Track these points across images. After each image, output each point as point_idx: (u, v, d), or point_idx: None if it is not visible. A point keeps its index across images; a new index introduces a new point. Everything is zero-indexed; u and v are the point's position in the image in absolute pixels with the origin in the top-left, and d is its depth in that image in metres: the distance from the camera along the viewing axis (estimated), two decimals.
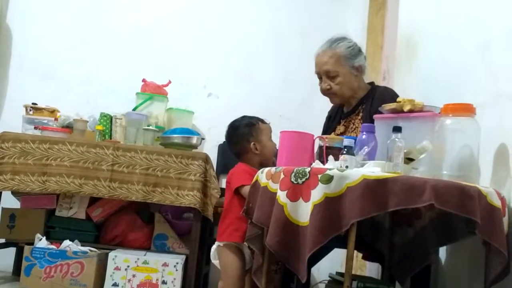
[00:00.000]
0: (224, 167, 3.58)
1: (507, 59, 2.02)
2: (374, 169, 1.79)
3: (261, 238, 2.08)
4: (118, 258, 3.01)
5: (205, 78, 4.00)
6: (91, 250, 3.03)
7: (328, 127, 2.78)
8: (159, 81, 3.68)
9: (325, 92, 2.63)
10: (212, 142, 3.79)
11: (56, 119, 3.45)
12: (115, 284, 2.99)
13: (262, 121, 2.64)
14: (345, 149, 1.88)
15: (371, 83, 2.73)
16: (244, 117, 2.65)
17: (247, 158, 2.59)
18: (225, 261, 2.45)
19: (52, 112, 3.51)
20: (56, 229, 3.28)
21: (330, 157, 1.92)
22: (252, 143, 2.56)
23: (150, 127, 3.37)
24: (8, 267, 3.46)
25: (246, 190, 2.29)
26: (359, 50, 2.64)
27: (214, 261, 2.55)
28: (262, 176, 2.01)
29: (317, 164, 1.96)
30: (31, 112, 3.49)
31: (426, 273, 2.26)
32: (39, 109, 3.50)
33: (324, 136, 2.14)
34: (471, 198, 1.69)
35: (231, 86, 3.96)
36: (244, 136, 2.58)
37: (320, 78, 2.64)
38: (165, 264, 3.01)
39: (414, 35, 3.05)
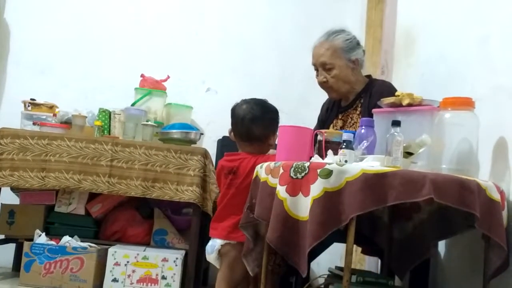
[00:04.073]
0: None
1: (506, 53, 2.02)
2: (373, 163, 1.79)
3: (254, 225, 2.11)
4: (117, 253, 3.02)
5: (203, 73, 3.99)
6: (90, 246, 3.03)
7: (326, 119, 2.78)
8: (158, 76, 3.67)
9: (321, 84, 2.63)
10: (211, 137, 3.79)
11: (54, 115, 3.44)
12: (115, 280, 3.00)
13: None
14: (344, 144, 1.88)
15: (368, 76, 2.72)
16: None
17: (259, 146, 2.47)
18: (234, 257, 2.37)
19: (51, 107, 3.51)
20: (55, 225, 3.28)
21: (329, 152, 1.92)
22: (275, 136, 2.47)
23: (149, 123, 3.36)
24: (7, 263, 3.46)
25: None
26: (357, 44, 2.64)
27: (216, 261, 2.44)
28: (261, 171, 2.02)
29: (316, 158, 1.96)
30: (29, 108, 3.48)
31: (425, 267, 2.27)
32: (38, 104, 3.50)
33: (323, 130, 2.14)
34: (470, 191, 1.69)
35: (229, 81, 3.96)
36: (274, 124, 2.49)
37: (316, 70, 2.64)
38: (164, 260, 3.01)
39: (412, 29, 3.05)
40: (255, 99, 2.54)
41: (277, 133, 2.44)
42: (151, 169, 3.14)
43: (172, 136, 3.28)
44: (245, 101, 2.53)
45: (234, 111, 2.52)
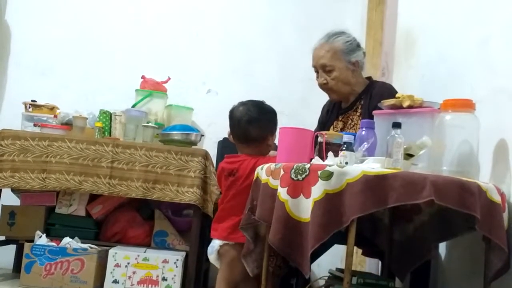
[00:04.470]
0: None
1: (506, 55, 2.02)
2: (373, 165, 1.79)
3: (254, 226, 2.12)
4: (118, 255, 3.02)
5: (204, 75, 3.99)
6: (91, 247, 3.03)
7: (326, 121, 2.78)
8: (158, 78, 3.67)
9: (322, 86, 2.63)
10: (211, 139, 3.79)
11: (55, 116, 3.44)
12: (115, 281, 2.99)
13: None
14: (345, 145, 1.88)
15: (369, 78, 2.73)
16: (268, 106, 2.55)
17: (257, 147, 2.48)
18: (232, 257, 2.40)
19: (52, 109, 3.51)
20: (56, 226, 3.28)
21: (330, 153, 1.92)
22: (273, 136, 2.48)
23: (150, 124, 3.36)
24: (8, 264, 3.46)
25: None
26: (358, 45, 2.64)
27: (216, 261, 2.46)
28: (262, 172, 2.02)
29: (316, 160, 1.97)
30: (30, 109, 3.48)
31: (426, 269, 2.27)
32: (38, 106, 3.50)
33: (324, 132, 2.14)
34: (471, 193, 1.69)
35: (230, 83, 3.96)
36: (271, 125, 2.49)
37: (316, 72, 2.64)
38: (165, 261, 3.01)
39: (413, 30, 3.05)
40: (252, 100, 2.54)
41: (276, 134, 2.45)
42: (152, 171, 3.14)
43: (173, 137, 3.28)
44: (242, 103, 2.53)
45: (231, 113, 2.53)
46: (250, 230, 2.15)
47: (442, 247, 2.41)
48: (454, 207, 1.69)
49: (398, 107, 2.06)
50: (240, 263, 2.31)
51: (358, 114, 2.59)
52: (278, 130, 2.31)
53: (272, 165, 1.96)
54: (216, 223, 2.48)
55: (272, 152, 2.49)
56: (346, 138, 1.91)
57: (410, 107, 2.03)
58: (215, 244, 2.45)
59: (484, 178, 1.98)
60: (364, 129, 2.02)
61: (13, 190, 3.36)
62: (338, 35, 2.60)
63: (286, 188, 1.80)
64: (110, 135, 3.45)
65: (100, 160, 3.14)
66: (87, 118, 3.41)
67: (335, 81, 2.57)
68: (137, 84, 3.64)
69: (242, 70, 3.98)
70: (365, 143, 1.94)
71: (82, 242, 3.09)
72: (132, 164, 3.14)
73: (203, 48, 4.01)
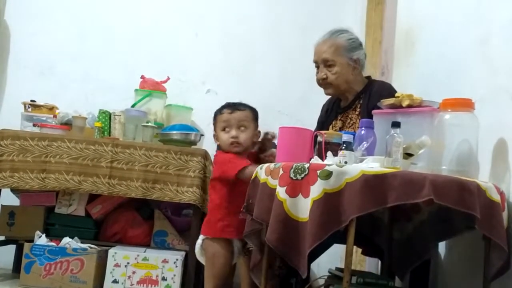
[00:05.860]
0: None
1: (506, 53, 2.02)
2: (373, 165, 1.79)
3: (258, 234, 2.10)
4: (118, 255, 3.02)
5: (203, 74, 3.99)
6: (90, 247, 3.03)
7: (325, 121, 2.78)
8: (158, 78, 3.67)
9: (321, 81, 2.63)
10: (211, 139, 3.73)
11: (55, 116, 3.44)
12: (115, 281, 3.00)
13: (221, 111, 2.49)
14: (344, 145, 1.88)
15: (368, 77, 2.73)
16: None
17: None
18: (213, 252, 2.37)
19: (51, 109, 3.51)
20: (55, 226, 3.28)
21: (329, 153, 1.92)
22: (214, 133, 2.52)
23: (149, 124, 3.36)
24: (8, 264, 3.46)
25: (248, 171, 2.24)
26: (360, 45, 2.65)
27: (200, 256, 2.46)
28: (261, 172, 2.01)
29: (316, 160, 1.96)
30: (29, 109, 3.48)
31: (425, 268, 2.27)
32: (38, 106, 3.50)
33: (323, 131, 2.14)
34: (470, 193, 1.69)
35: (229, 82, 3.95)
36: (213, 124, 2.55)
37: (317, 67, 2.64)
38: (165, 261, 3.02)
39: (412, 29, 3.05)
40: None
41: (214, 131, 2.51)
42: (151, 170, 3.14)
43: (172, 137, 3.28)
44: None
45: None
46: (254, 238, 2.13)
47: (442, 247, 2.41)
48: (454, 207, 1.68)
49: (397, 106, 2.06)
50: (222, 258, 2.34)
51: (357, 113, 2.59)
52: (278, 130, 2.30)
53: (272, 165, 1.96)
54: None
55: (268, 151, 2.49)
56: (346, 137, 1.91)
57: (409, 106, 2.03)
58: (200, 239, 2.45)
59: (483, 177, 1.98)
60: (363, 128, 2.02)
61: (12, 190, 3.36)
62: (342, 32, 2.62)
63: (285, 188, 1.80)
64: (109, 135, 3.44)
65: (99, 160, 3.14)
66: (86, 118, 3.41)
67: (336, 76, 2.57)
68: (136, 84, 3.64)
69: (241, 69, 3.98)
70: (364, 142, 1.93)
71: (81, 242, 3.10)
72: (131, 164, 3.14)
73: (203, 47, 4.00)
